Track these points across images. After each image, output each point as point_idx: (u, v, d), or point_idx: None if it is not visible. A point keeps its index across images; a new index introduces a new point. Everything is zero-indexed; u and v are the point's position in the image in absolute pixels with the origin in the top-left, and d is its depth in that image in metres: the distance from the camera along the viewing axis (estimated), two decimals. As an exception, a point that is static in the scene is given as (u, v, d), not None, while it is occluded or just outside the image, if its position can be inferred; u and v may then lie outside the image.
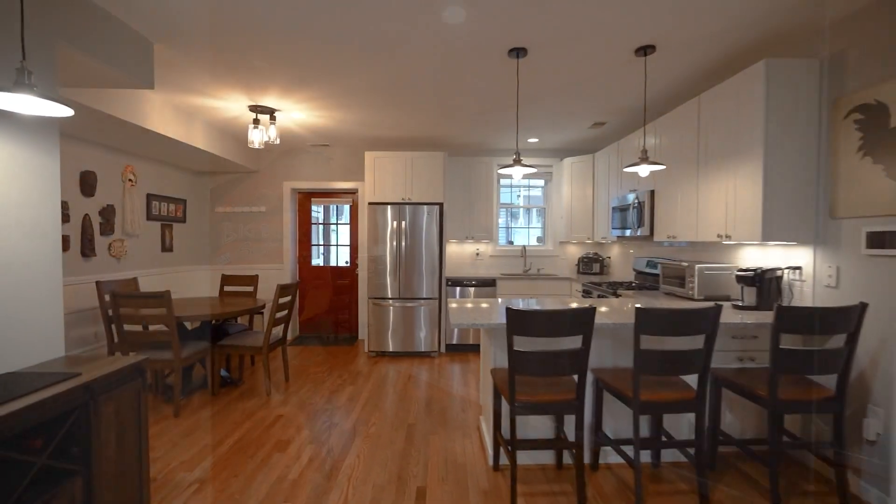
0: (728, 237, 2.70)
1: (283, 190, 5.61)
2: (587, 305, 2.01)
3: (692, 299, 3.04)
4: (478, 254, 5.65)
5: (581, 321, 1.96)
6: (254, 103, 3.70)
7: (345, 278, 5.86)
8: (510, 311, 1.93)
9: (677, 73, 3.03)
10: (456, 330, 5.01)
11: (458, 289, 5.00)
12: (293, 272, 5.73)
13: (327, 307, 5.88)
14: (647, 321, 1.96)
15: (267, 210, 5.62)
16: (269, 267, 5.61)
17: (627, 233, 4.00)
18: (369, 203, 4.93)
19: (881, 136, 2.07)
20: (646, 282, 4.14)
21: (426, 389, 3.83)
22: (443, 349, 4.98)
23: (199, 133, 4.17)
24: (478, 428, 3.01)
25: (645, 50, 2.59)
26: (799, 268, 2.53)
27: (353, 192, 5.82)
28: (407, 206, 4.80)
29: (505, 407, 2.30)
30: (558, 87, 3.29)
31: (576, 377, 2.07)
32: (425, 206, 4.79)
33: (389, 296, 4.83)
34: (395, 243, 4.81)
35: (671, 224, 3.40)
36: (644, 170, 2.74)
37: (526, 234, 6.03)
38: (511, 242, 5.96)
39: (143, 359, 1.93)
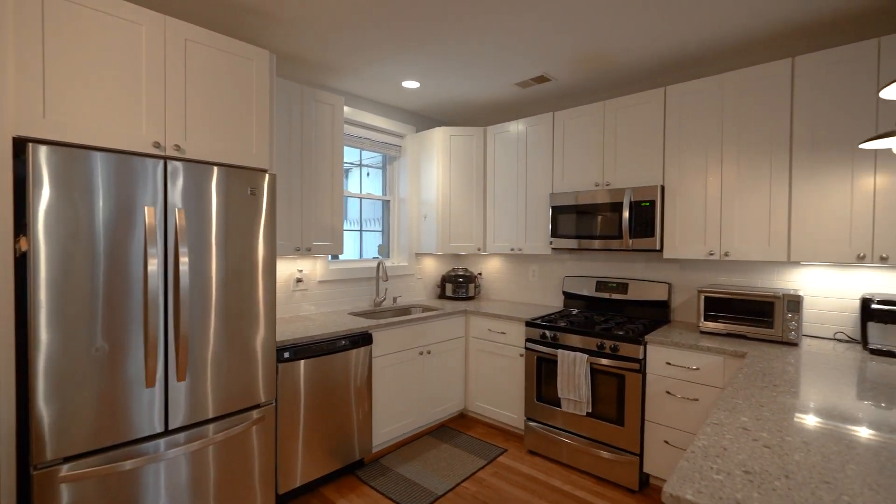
0: (885, 258, 1.96)
1: None
2: None
3: (788, 342, 2.16)
4: (300, 280, 2.94)
5: None
6: None
7: None
8: None
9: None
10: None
11: (300, 363, 2.28)
12: None
13: None
14: None
15: None
16: None
17: (583, 243, 2.78)
18: (32, 141, 1.48)
19: None
20: (601, 311, 3.05)
21: None
22: (270, 508, 2.14)
23: None
24: None
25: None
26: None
27: None
28: (177, 167, 1.71)
29: None
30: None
31: None
32: (228, 172, 1.86)
33: (135, 434, 1.58)
34: (149, 270, 1.61)
35: (700, 234, 2.45)
36: None
37: (355, 242, 3.75)
38: (336, 257, 3.54)
39: None
